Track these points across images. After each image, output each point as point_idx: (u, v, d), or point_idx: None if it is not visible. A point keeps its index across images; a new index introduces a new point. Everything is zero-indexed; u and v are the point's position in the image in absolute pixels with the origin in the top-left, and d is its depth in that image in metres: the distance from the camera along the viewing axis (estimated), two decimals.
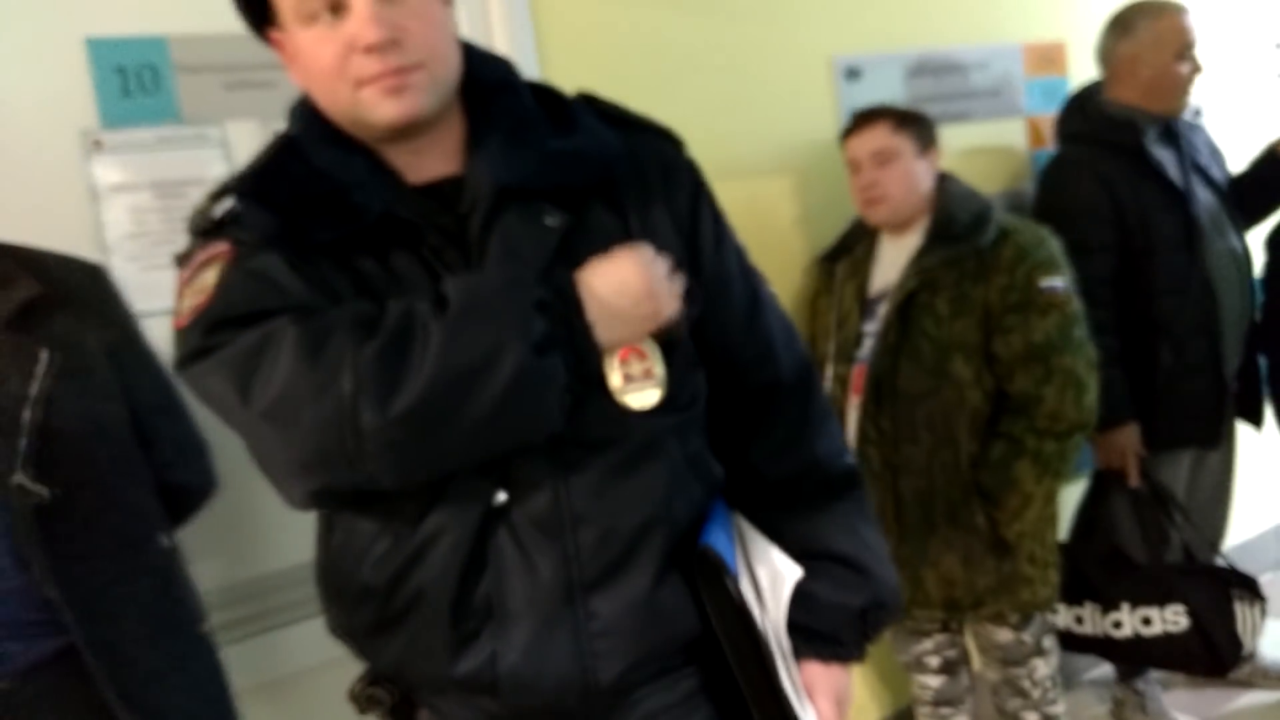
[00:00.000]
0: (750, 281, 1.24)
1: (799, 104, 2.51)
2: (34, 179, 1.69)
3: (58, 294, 1.38)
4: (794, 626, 1.20)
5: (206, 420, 1.55)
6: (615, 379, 1.09)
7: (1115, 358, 2.44)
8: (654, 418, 1.11)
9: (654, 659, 1.15)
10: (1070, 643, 2.56)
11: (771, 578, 1.21)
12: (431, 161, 1.11)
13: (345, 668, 1.24)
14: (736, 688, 1.16)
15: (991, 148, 2.90)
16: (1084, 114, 2.63)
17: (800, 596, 1.20)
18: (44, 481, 1.29)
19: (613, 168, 1.13)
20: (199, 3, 1.81)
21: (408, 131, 1.08)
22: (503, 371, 0.96)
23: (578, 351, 1.03)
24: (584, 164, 1.11)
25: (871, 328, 2.23)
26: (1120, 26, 2.58)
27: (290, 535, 1.83)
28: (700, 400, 1.19)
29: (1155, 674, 2.79)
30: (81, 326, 1.39)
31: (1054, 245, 2.19)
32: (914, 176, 2.22)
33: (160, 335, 1.51)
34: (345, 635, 1.21)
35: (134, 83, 1.77)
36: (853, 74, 2.61)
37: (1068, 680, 3.00)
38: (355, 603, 1.15)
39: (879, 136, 2.22)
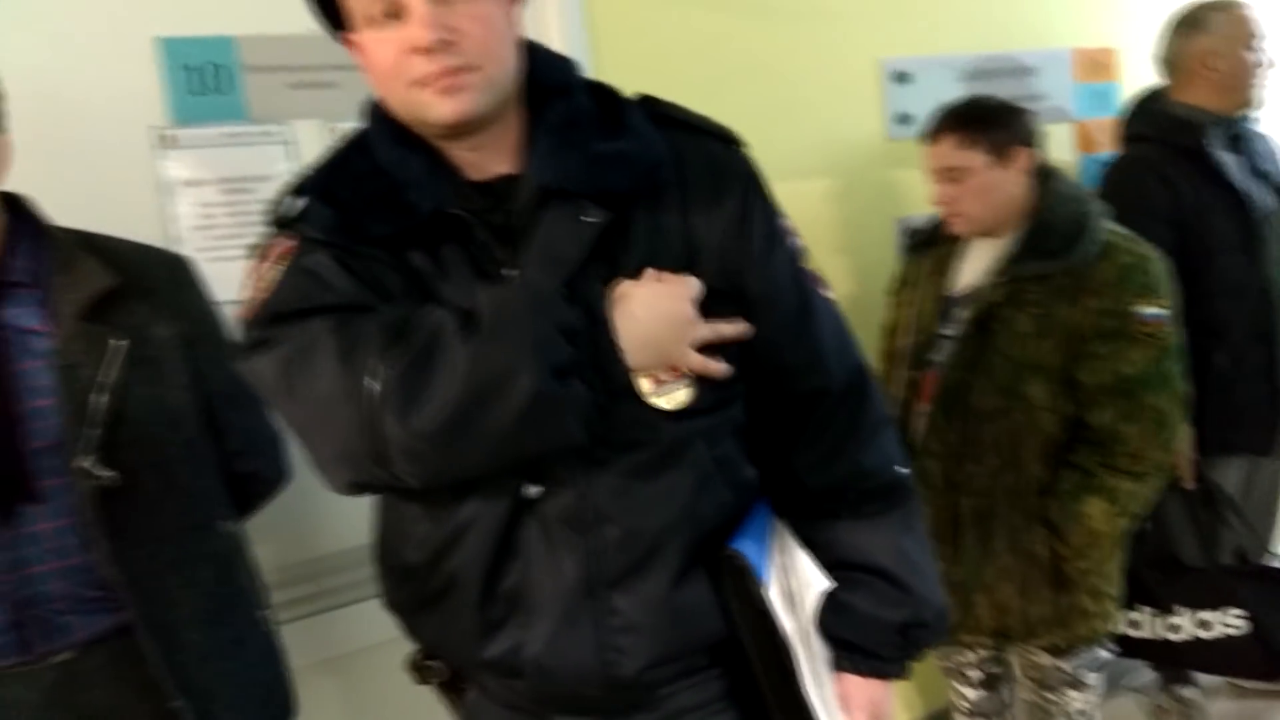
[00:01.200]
0: (803, 286, 1.22)
1: (846, 107, 2.52)
2: (107, 173, 1.75)
3: (133, 284, 1.42)
4: (834, 638, 1.21)
5: None
6: (645, 383, 1.10)
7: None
8: (683, 420, 1.11)
9: (677, 658, 1.16)
10: (1126, 647, 2.51)
11: (803, 587, 1.21)
12: (491, 160, 1.13)
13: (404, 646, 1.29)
14: (759, 688, 1.17)
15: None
16: (1149, 116, 2.62)
17: (839, 608, 1.20)
18: (110, 465, 1.33)
19: (656, 172, 1.13)
20: (266, 4, 1.87)
21: (464, 130, 1.10)
22: (518, 396, 0.98)
23: (603, 370, 1.05)
24: (627, 167, 1.12)
25: (949, 331, 2.11)
26: (1189, 24, 2.56)
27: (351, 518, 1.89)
28: (732, 405, 1.18)
29: (1201, 683, 2.76)
30: (156, 316, 1.43)
31: (1158, 269, 2.03)
32: (991, 190, 2.06)
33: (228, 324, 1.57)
34: (394, 610, 1.26)
35: (203, 81, 1.83)
36: (901, 77, 2.62)
37: (1109, 688, 2.99)
38: (400, 580, 1.22)
39: (945, 153, 2.09)
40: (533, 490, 1.10)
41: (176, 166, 1.81)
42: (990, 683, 2.32)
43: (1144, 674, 2.97)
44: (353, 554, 1.93)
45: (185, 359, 1.45)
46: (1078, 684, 2.21)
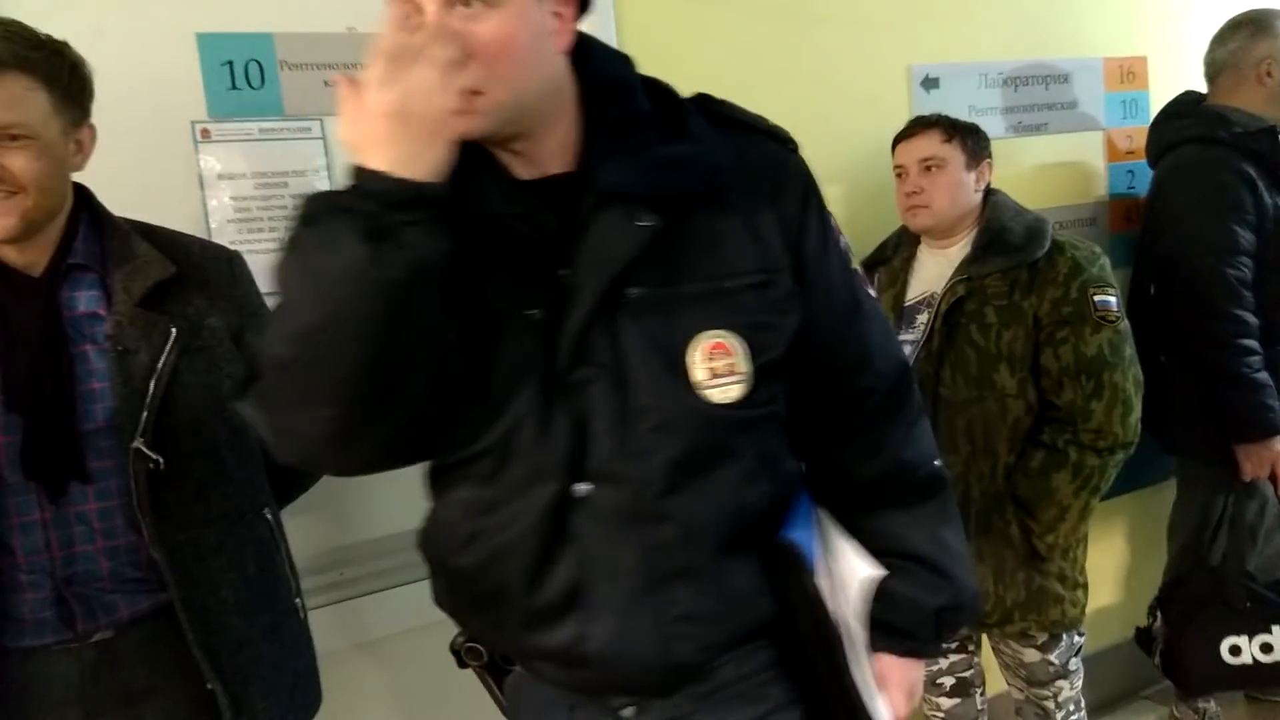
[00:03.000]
0: (853, 287, 1.25)
1: (875, 111, 2.52)
2: (146, 165, 1.78)
3: (191, 275, 1.46)
4: (872, 621, 1.24)
5: None
6: (699, 373, 1.10)
7: (1263, 365, 2.41)
8: (732, 412, 1.12)
9: (735, 640, 1.19)
10: (1255, 678, 2.44)
11: (849, 574, 1.24)
12: (541, 160, 1.12)
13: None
14: (805, 665, 1.22)
15: (1069, 160, 2.90)
16: (1204, 119, 2.56)
17: (881, 593, 1.23)
18: (159, 450, 1.37)
19: (717, 175, 1.13)
20: (303, 2, 1.90)
21: (492, 141, 1.09)
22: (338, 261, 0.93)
23: (661, 365, 1.09)
24: (686, 171, 1.12)
25: (908, 336, 2.23)
26: (1256, 26, 2.53)
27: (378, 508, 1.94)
28: (778, 401, 1.20)
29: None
30: (211, 307, 1.47)
31: (1106, 263, 2.20)
32: (961, 188, 2.21)
33: None
34: (447, 610, 1.27)
35: (240, 77, 1.86)
36: (930, 83, 2.63)
37: (1124, 696, 3.00)
38: (451, 583, 1.23)
39: (929, 144, 2.21)
40: (581, 489, 1.10)
41: (214, 159, 1.84)
42: (962, 689, 2.38)
43: (1159, 683, 2.95)
44: (380, 543, 1.98)
45: (236, 350, 1.48)
46: (1065, 673, 2.31)
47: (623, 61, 1.19)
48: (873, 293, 1.30)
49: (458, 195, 1.01)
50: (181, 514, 1.41)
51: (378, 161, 0.95)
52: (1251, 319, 2.41)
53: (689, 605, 1.14)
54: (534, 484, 1.10)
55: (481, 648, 1.27)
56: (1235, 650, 2.44)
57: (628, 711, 1.19)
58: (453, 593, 1.24)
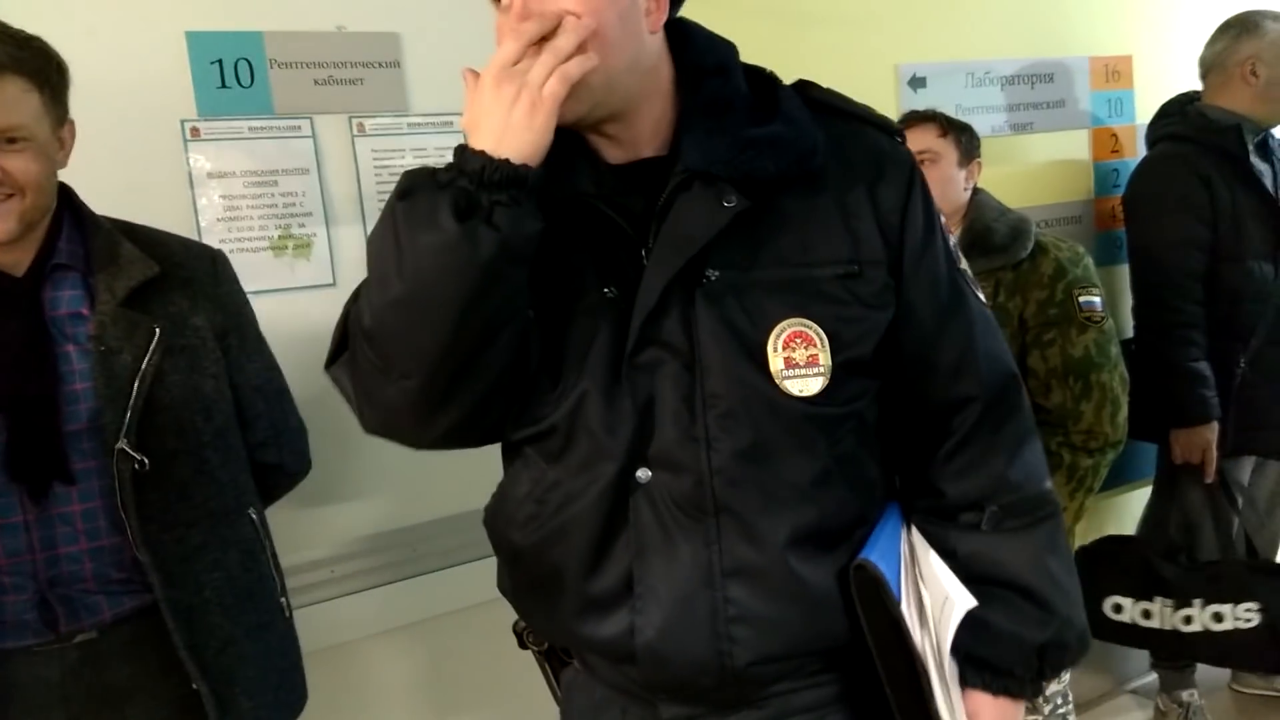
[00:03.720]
0: (958, 286, 1.17)
1: None
2: (136, 163, 1.78)
3: (174, 274, 1.46)
4: (965, 654, 1.15)
5: (306, 405, 1.64)
6: (777, 362, 1.06)
7: (1204, 355, 2.47)
8: (809, 407, 1.08)
9: (792, 655, 1.12)
10: (1132, 637, 2.56)
11: (941, 601, 1.15)
12: (633, 144, 1.11)
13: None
14: (878, 703, 1.13)
15: (1055, 159, 2.91)
16: (1183, 117, 2.64)
17: (974, 624, 1.13)
18: (143, 450, 1.37)
19: (809, 159, 1.09)
20: (293, 0, 1.90)
21: (584, 124, 1.08)
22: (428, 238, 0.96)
23: (738, 350, 1.06)
24: (777, 153, 1.08)
25: None
26: (1241, 27, 2.58)
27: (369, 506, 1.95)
28: (862, 402, 1.13)
29: (1200, 685, 2.79)
30: (194, 307, 1.47)
31: (1090, 263, 2.21)
32: (951, 183, 2.22)
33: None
34: (506, 593, 1.24)
35: (230, 75, 1.86)
36: (917, 82, 2.63)
37: (1110, 689, 3.02)
38: (510, 563, 1.20)
39: (924, 137, 2.22)
40: (643, 474, 1.07)
41: (203, 158, 1.85)
42: None
43: (1144, 677, 2.99)
44: (367, 541, 2.00)
45: (221, 350, 1.49)
46: None
47: (725, 47, 1.17)
48: (984, 299, 1.22)
49: (549, 176, 1.01)
50: (166, 514, 1.41)
51: (480, 141, 0.98)
52: (1194, 309, 2.48)
53: (747, 606, 1.08)
54: (596, 465, 1.08)
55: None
56: (1118, 608, 2.54)
57: None
58: (513, 574, 1.21)
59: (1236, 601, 2.45)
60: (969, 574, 1.16)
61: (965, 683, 1.16)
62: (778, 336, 1.06)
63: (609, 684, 1.19)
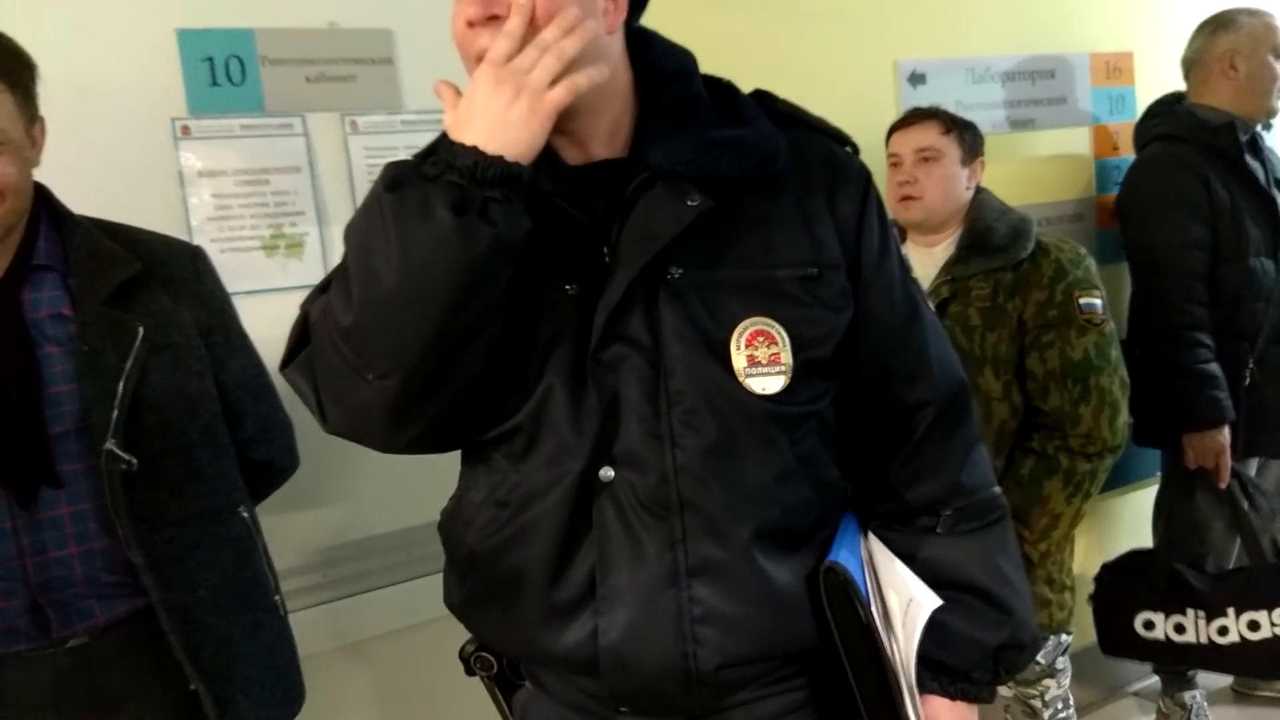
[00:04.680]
0: (912, 295, 1.20)
1: (861, 107, 2.51)
2: (126, 162, 1.77)
3: (157, 273, 1.44)
4: (923, 658, 1.15)
5: (300, 407, 1.63)
6: (740, 360, 1.07)
7: (1214, 356, 2.46)
8: (771, 404, 1.08)
9: (759, 658, 1.12)
10: (1163, 654, 2.52)
11: (904, 604, 1.16)
12: (588, 143, 1.11)
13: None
14: (846, 707, 1.13)
15: (1056, 156, 2.90)
16: (1174, 116, 2.63)
17: (931, 628, 1.14)
18: (131, 450, 1.35)
19: (772, 162, 1.11)
20: None
21: None
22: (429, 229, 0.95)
23: (700, 343, 1.06)
24: (741, 154, 1.09)
25: None
26: (1216, 24, 2.59)
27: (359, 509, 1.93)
28: (821, 402, 1.15)
29: (1202, 686, 2.77)
30: (177, 305, 1.45)
31: (1092, 264, 2.18)
32: (954, 182, 2.19)
33: (241, 314, 1.59)
34: (456, 608, 1.22)
35: (221, 73, 1.84)
36: (917, 78, 2.62)
37: (1112, 692, 3.01)
38: (463, 573, 1.18)
39: (927, 134, 2.20)
40: (607, 473, 1.07)
41: (194, 157, 1.83)
42: None
43: (1146, 680, 2.97)
44: (364, 544, 1.98)
45: (205, 347, 1.48)
46: (1053, 672, 2.32)
47: (684, 54, 1.18)
48: (933, 311, 1.26)
49: None
50: (156, 514, 1.39)
51: (469, 136, 0.97)
52: (1200, 311, 2.46)
53: (713, 605, 1.07)
54: (559, 463, 1.07)
55: (491, 657, 1.23)
56: (1149, 625, 2.50)
57: None
58: (465, 582, 1.18)
59: (1271, 608, 2.41)
60: (929, 578, 1.17)
61: (922, 687, 1.17)
62: (740, 335, 1.07)
63: (565, 703, 1.18)
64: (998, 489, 1.24)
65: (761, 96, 1.20)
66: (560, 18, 1.00)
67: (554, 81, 0.99)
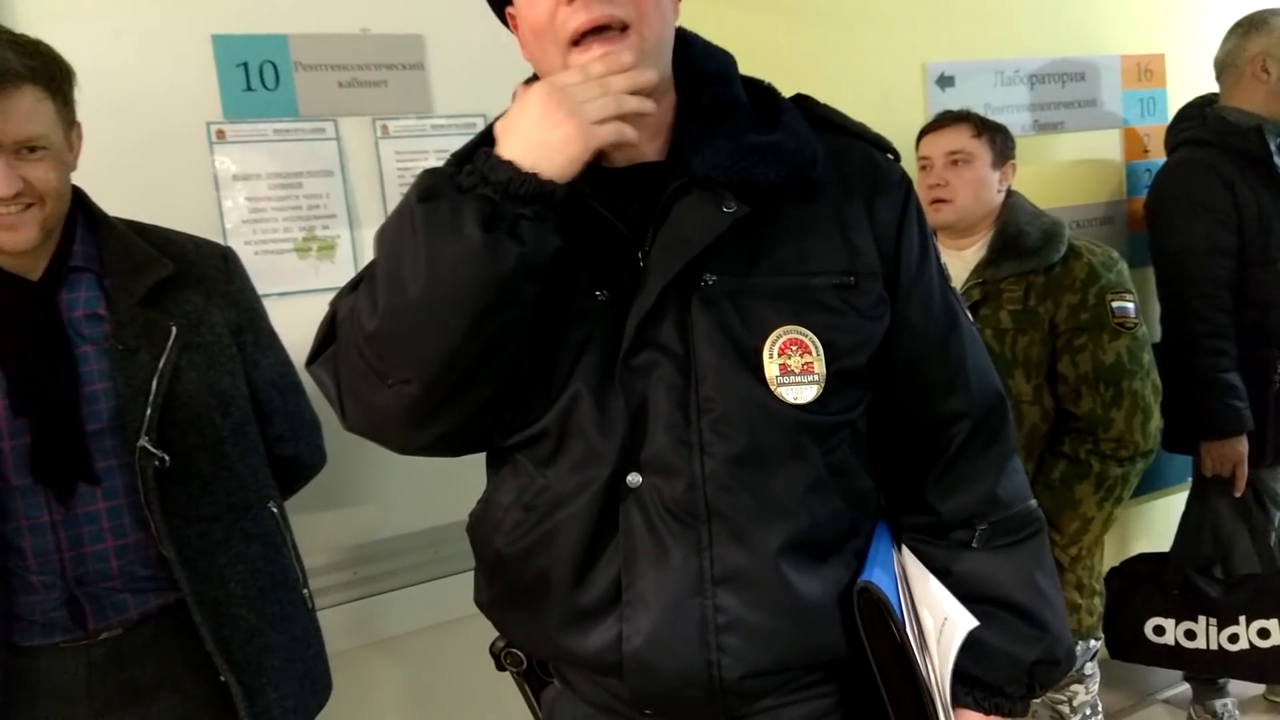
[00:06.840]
0: (950, 305, 1.18)
1: (890, 109, 2.52)
2: (162, 166, 1.80)
3: (190, 274, 1.48)
4: (957, 673, 1.13)
5: (320, 400, 1.65)
6: (772, 369, 1.05)
7: (1234, 365, 2.44)
8: (802, 414, 1.07)
9: (785, 667, 1.10)
10: (1172, 659, 2.52)
11: (939, 623, 1.14)
12: (635, 148, 1.09)
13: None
14: (876, 715, 1.12)
15: (1086, 159, 2.89)
16: (1203, 121, 2.60)
17: (967, 642, 1.12)
18: (164, 447, 1.38)
19: (809, 169, 1.09)
20: (318, 4, 1.92)
21: None
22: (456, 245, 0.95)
23: (731, 350, 1.05)
24: (777, 161, 1.07)
25: None
26: (1249, 25, 2.56)
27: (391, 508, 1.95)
28: (854, 412, 1.13)
29: (1233, 695, 2.74)
30: (209, 305, 1.48)
31: (1124, 268, 2.17)
32: (985, 185, 2.18)
33: (274, 316, 1.61)
34: (485, 608, 1.22)
35: (255, 78, 1.87)
36: (945, 81, 2.62)
37: (1141, 698, 2.98)
38: (492, 574, 1.18)
39: (958, 137, 2.19)
40: (634, 479, 1.06)
41: (229, 160, 1.86)
42: None
43: (1176, 687, 2.95)
44: (393, 543, 2.00)
45: (236, 346, 1.50)
46: (1081, 678, 2.30)
47: (724, 56, 1.17)
48: (972, 322, 1.23)
49: None
50: (188, 509, 1.42)
51: (509, 150, 0.98)
52: (1223, 318, 2.44)
53: (738, 614, 1.06)
54: (588, 468, 1.07)
55: (521, 654, 1.23)
56: (1159, 630, 2.50)
57: None
58: (494, 584, 1.18)
59: None
60: (960, 593, 1.16)
61: (956, 701, 1.15)
62: (773, 343, 1.06)
63: (592, 701, 1.17)
64: (1034, 502, 1.22)
65: (801, 100, 1.19)
66: (634, 73, 1.00)
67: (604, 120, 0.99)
